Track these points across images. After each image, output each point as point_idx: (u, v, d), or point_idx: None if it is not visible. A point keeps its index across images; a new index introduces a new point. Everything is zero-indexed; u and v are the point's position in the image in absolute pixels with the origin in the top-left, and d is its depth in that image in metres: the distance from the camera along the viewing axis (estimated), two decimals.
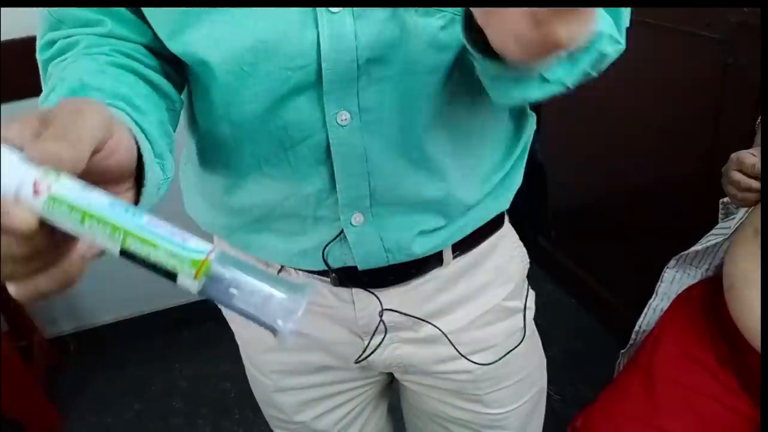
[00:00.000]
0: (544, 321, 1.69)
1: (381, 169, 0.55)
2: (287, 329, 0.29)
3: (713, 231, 1.02)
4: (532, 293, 0.75)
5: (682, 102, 1.51)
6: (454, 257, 0.65)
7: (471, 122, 0.58)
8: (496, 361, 0.71)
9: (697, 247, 1.04)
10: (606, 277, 2.02)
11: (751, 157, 0.87)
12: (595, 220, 1.93)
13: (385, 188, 0.56)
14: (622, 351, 1.16)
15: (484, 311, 0.69)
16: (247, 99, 0.50)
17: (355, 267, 0.61)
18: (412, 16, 0.47)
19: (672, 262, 1.10)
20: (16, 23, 1.48)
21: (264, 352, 0.74)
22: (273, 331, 0.30)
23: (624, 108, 1.71)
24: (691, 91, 1.47)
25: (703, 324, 0.94)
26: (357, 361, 0.70)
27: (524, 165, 0.66)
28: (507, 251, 0.71)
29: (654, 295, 1.11)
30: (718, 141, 1.41)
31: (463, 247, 0.65)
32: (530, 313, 0.75)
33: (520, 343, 0.73)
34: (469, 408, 0.75)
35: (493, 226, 0.67)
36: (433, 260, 0.65)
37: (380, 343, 0.68)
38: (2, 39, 1.52)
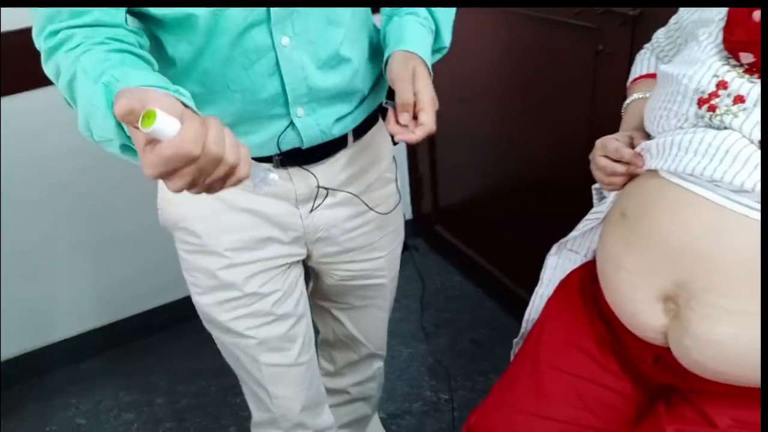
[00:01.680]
0: (452, 312, 1.69)
1: (312, 74, 0.84)
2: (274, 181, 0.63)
3: (588, 216, 1.04)
4: (397, 169, 1.13)
5: (559, 89, 1.53)
6: (354, 141, 0.98)
7: (368, 38, 0.93)
8: (389, 212, 1.09)
9: (575, 232, 1.05)
10: (506, 265, 2.05)
11: (614, 141, 0.88)
12: (490, 209, 1.95)
13: (315, 87, 0.86)
14: (515, 340, 1.17)
15: (374, 179, 1.05)
16: (219, 33, 0.74)
17: (298, 149, 0.91)
18: None
19: (553, 249, 1.11)
20: (16, 14, 1.50)
21: (220, 234, 0.97)
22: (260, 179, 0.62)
23: (507, 98, 1.73)
24: (567, 78, 1.50)
25: (582, 309, 0.95)
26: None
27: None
28: (382, 137, 1.07)
29: (539, 282, 1.12)
30: (594, 126, 1.44)
31: (358, 132, 0.98)
32: (399, 182, 1.13)
33: (399, 202, 1.12)
34: (366, 258, 1.13)
35: (374, 118, 1.02)
36: (341, 142, 0.96)
37: (311, 209, 0.99)
38: (2, 30, 1.50)
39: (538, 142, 1.65)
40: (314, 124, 0.89)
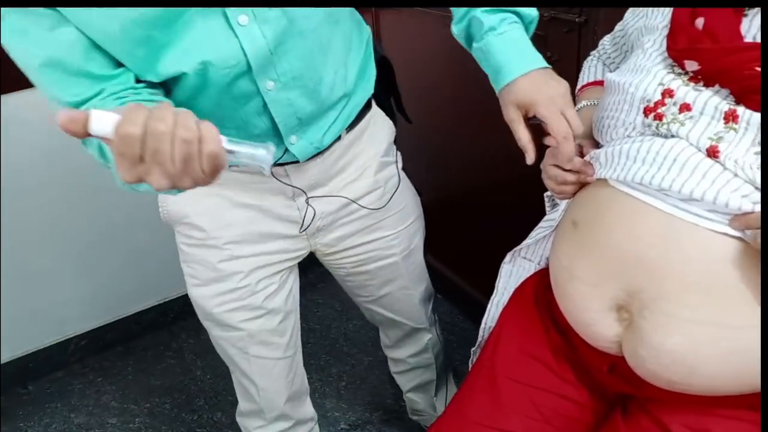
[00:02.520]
0: None
1: (301, 105, 0.89)
2: (269, 162, 0.60)
3: (541, 224, 1.04)
4: (399, 153, 1.16)
5: None
6: (346, 132, 1.02)
7: (347, 52, 0.94)
8: (386, 204, 1.12)
9: (528, 240, 1.05)
10: (464, 269, 2.05)
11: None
12: (447, 214, 1.94)
13: (305, 114, 0.91)
14: (473, 349, 1.16)
15: (371, 164, 1.08)
16: (209, 86, 0.79)
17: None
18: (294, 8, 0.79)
19: (507, 257, 1.10)
20: None
21: (223, 228, 1.02)
22: (264, 162, 0.60)
23: (459, 105, 1.72)
24: None
25: (537, 318, 0.94)
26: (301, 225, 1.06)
27: (373, 58, 1.04)
28: (378, 123, 1.10)
29: (495, 291, 1.11)
30: (545, 133, 1.44)
31: (350, 125, 1.02)
32: (399, 164, 1.16)
33: (399, 185, 1.14)
34: (371, 238, 1.15)
35: (366, 107, 1.05)
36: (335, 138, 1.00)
37: (306, 200, 1.03)
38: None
39: (491, 148, 1.65)
40: (308, 144, 0.95)
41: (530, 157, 0.88)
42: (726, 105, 0.71)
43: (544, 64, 0.87)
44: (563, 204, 0.98)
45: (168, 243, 2.08)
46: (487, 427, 0.90)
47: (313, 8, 0.82)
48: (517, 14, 0.90)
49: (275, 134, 0.90)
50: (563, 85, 0.85)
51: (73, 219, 1.88)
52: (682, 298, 0.71)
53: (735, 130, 0.70)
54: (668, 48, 0.77)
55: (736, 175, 0.69)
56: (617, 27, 0.97)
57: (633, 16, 0.92)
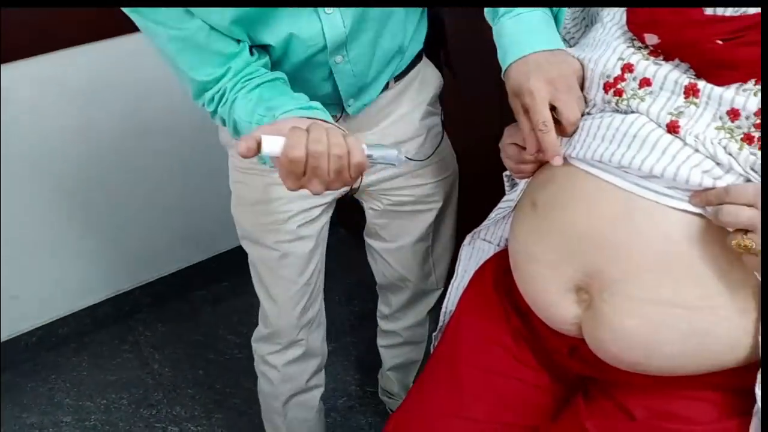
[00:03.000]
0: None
1: (362, 74, 0.99)
2: (401, 161, 0.74)
3: (500, 204, 1.01)
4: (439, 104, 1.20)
5: (468, 74, 1.49)
6: (395, 82, 1.08)
7: (405, 17, 1.00)
8: (428, 156, 1.18)
9: (487, 221, 1.02)
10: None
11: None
12: None
13: (365, 81, 1.01)
14: (434, 333, 1.13)
15: (415, 110, 1.13)
16: (288, 55, 0.90)
17: None
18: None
19: (467, 239, 1.08)
20: None
21: (287, 203, 1.13)
22: (395, 161, 0.74)
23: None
24: (477, 63, 1.47)
25: (496, 302, 0.92)
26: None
27: (426, 13, 1.08)
28: (427, 73, 1.15)
29: (455, 274, 1.09)
30: (505, 112, 1.42)
31: (399, 75, 1.08)
32: (441, 116, 1.20)
33: (442, 136, 1.20)
34: (412, 183, 1.19)
35: (416, 58, 1.10)
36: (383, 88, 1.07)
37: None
38: None
39: (452, 129, 1.62)
40: (362, 105, 1.05)
41: (528, 150, 0.81)
42: (686, 79, 0.69)
43: (550, 45, 0.79)
44: (522, 184, 0.95)
45: (123, 234, 2.03)
46: (449, 415, 0.87)
47: None
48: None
49: (336, 97, 1.00)
50: (566, 66, 0.76)
51: (20, 212, 1.80)
52: (641, 278, 0.69)
53: (695, 104, 0.68)
54: (628, 21, 0.75)
55: (696, 150, 0.67)
56: None
57: None
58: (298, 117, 0.74)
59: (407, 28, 1.02)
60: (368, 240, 1.37)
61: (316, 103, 0.82)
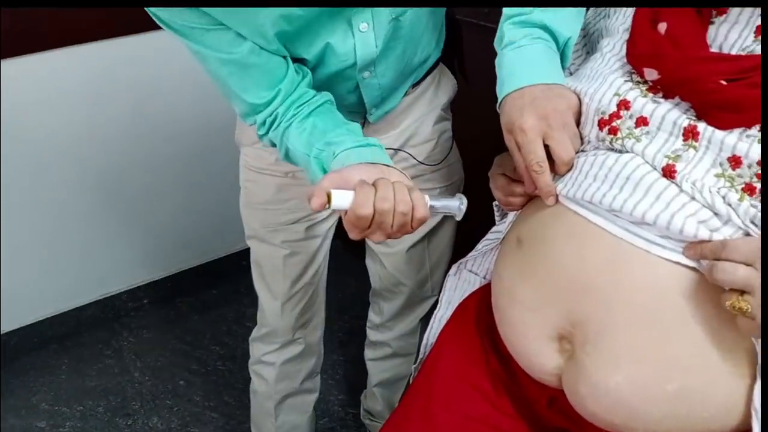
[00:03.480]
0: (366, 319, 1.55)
1: (388, 86, 1.00)
2: (462, 210, 0.77)
3: (488, 235, 0.96)
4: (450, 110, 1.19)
5: (464, 93, 1.45)
6: (413, 89, 1.09)
7: (432, 32, 1.02)
8: (443, 159, 1.17)
9: (474, 252, 0.97)
10: None
11: (512, 160, 0.80)
12: None
13: (387, 94, 1.03)
14: (413, 366, 1.08)
15: (430, 114, 1.13)
16: (323, 69, 0.92)
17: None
18: (401, 17, 0.90)
19: (453, 269, 1.03)
20: None
21: (299, 204, 1.14)
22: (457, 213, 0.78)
23: None
24: (474, 83, 1.42)
25: (477, 341, 0.87)
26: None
27: (445, 21, 1.07)
28: (444, 78, 1.15)
29: (438, 304, 1.04)
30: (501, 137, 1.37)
31: (417, 82, 1.09)
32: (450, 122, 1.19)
33: (452, 143, 1.20)
34: (420, 188, 1.02)
35: (435, 64, 1.10)
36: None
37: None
38: None
39: (460, 135, 1.58)
40: (383, 113, 1.06)
41: (527, 185, 0.76)
42: (686, 120, 0.64)
43: (548, 79, 0.73)
44: (511, 215, 0.90)
45: (111, 237, 1.99)
46: None
47: (420, 13, 0.93)
48: (551, 32, 0.78)
49: (360, 106, 1.02)
50: (561, 101, 0.71)
51: (6, 211, 1.76)
52: (627, 333, 0.64)
53: (694, 148, 0.63)
54: (627, 53, 0.70)
55: (693, 198, 0.62)
56: None
57: (595, 15, 0.84)
58: (363, 164, 0.75)
59: (432, 41, 1.03)
60: (369, 242, 1.34)
61: (373, 139, 0.83)
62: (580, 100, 0.73)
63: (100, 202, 1.90)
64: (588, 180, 0.69)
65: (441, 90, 1.15)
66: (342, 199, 0.68)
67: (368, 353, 1.54)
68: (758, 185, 0.59)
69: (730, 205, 0.61)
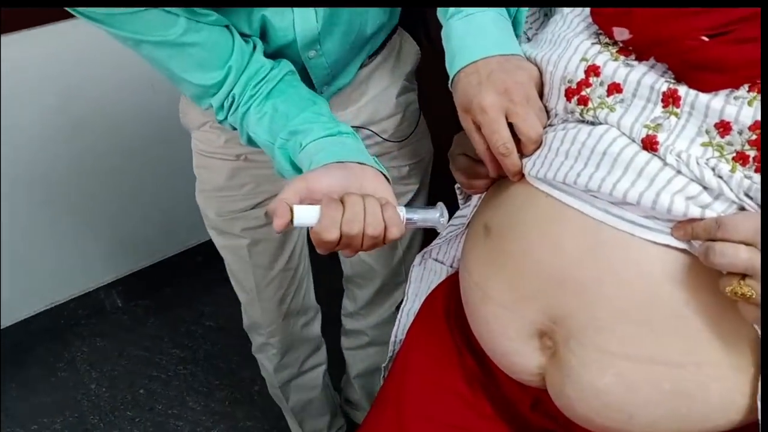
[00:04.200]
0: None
1: (336, 65, 0.92)
2: (443, 224, 0.69)
3: (452, 220, 0.88)
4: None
5: (427, 70, 1.38)
6: (369, 60, 1.00)
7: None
8: (411, 133, 1.09)
9: (438, 240, 0.89)
10: None
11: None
12: None
13: (338, 71, 0.94)
14: (383, 365, 1.01)
15: (391, 86, 1.04)
16: (270, 47, 0.84)
17: None
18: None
19: (417, 259, 0.95)
20: None
21: (237, 139, 0.92)
22: (437, 226, 0.70)
23: None
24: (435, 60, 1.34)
25: (448, 338, 0.80)
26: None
27: None
28: (405, 46, 1.05)
29: (404, 298, 0.96)
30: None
31: (374, 53, 1.00)
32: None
33: (419, 116, 1.11)
34: (389, 165, 1.07)
35: (392, 34, 1.01)
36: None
37: None
38: None
39: (427, 107, 1.50)
40: (335, 90, 0.98)
41: (490, 170, 0.69)
42: (664, 84, 0.57)
43: (504, 50, 0.66)
44: (475, 199, 0.83)
45: (54, 243, 1.86)
46: None
47: None
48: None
49: (310, 85, 0.92)
50: (522, 73, 0.64)
51: None
52: (615, 328, 0.57)
53: (676, 115, 0.56)
54: (592, 12, 0.62)
55: (679, 172, 0.55)
56: None
57: None
58: (333, 166, 0.67)
59: (382, 10, 0.93)
60: None
61: (344, 126, 0.76)
62: (540, 71, 0.66)
63: (40, 208, 1.77)
64: (559, 158, 0.61)
65: (402, 59, 1.05)
66: (306, 217, 0.62)
67: (345, 342, 1.49)
68: (752, 153, 0.53)
69: (721, 177, 0.54)
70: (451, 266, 0.91)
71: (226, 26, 0.78)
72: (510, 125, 0.64)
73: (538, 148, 0.64)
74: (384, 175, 0.69)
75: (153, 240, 2.02)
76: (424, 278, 0.95)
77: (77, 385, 1.81)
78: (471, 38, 0.68)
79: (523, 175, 0.66)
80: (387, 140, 1.06)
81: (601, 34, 0.62)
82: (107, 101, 1.72)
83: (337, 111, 1.00)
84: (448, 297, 0.84)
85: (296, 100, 0.80)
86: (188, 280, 2.09)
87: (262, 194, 1.08)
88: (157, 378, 1.81)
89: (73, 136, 1.72)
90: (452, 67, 0.69)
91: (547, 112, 0.66)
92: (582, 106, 0.60)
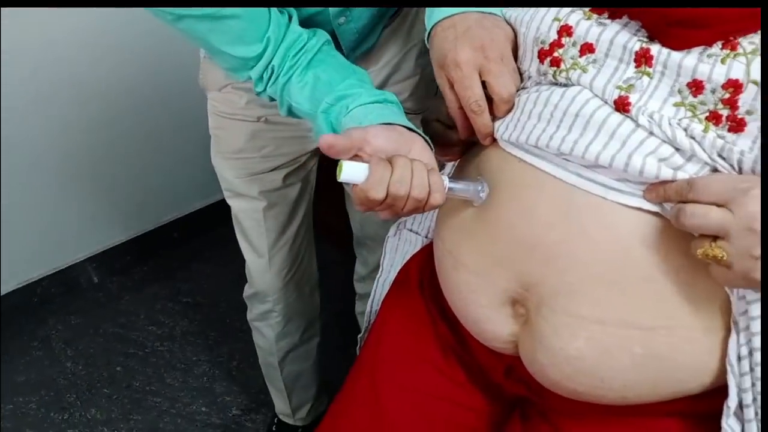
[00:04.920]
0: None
1: (364, 29, 0.92)
2: (483, 198, 0.64)
3: None
4: None
5: None
6: (390, 21, 0.98)
7: None
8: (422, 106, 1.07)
9: None
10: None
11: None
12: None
13: (365, 36, 0.94)
14: (359, 335, 1.00)
15: (412, 47, 1.03)
16: (300, 15, 0.83)
17: None
18: None
19: (392, 230, 0.94)
20: None
21: (257, 101, 0.99)
22: (475, 200, 0.64)
23: None
24: None
25: (423, 309, 0.79)
26: None
27: None
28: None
29: (380, 269, 0.95)
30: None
31: (393, 15, 0.99)
32: None
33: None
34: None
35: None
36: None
37: None
38: None
39: None
40: (361, 53, 0.97)
41: (460, 131, 0.69)
42: (637, 43, 0.55)
43: (481, 7, 0.66)
44: (449, 167, 0.82)
45: (27, 217, 1.83)
46: None
47: None
48: None
49: (338, 51, 0.91)
50: (498, 32, 0.64)
51: None
52: (587, 293, 0.56)
53: (648, 75, 0.55)
54: None
55: (651, 133, 0.54)
56: None
57: None
58: (382, 127, 0.65)
59: None
60: (347, 187, 1.27)
61: (390, 94, 0.74)
62: (514, 30, 0.64)
63: (10, 185, 1.72)
64: (532, 120, 0.60)
65: (421, 18, 1.04)
66: (354, 174, 0.59)
67: (358, 307, 1.50)
68: (724, 112, 0.52)
69: (693, 138, 0.53)
70: (425, 237, 0.90)
71: None
72: (483, 85, 0.63)
73: (510, 109, 0.63)
74: (429, 144, 0.67)
75: (128, 215, 1.99)
76: (399, 249, 0.94)
77: (53, 364, 1.78)
78: None
79: (494, 139, 0.65)
80: (408, 112, 1.04)
81: None
82: (78, 75, 1.68)
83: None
84: (423, 267, 0.83)
85: (338, 68, 0.80)
86: (164, 256, 2.06)
87: (281, 157, 1.08)
88: (134, 355, 1.79)
89: (42, 110, 1.67)
90: (430, 20, 0.68)
91: (521, 74, 0.64)
92: (555, 68, 0.59)
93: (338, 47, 0.92)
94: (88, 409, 1.66)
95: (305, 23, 0.84)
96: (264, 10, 0.76)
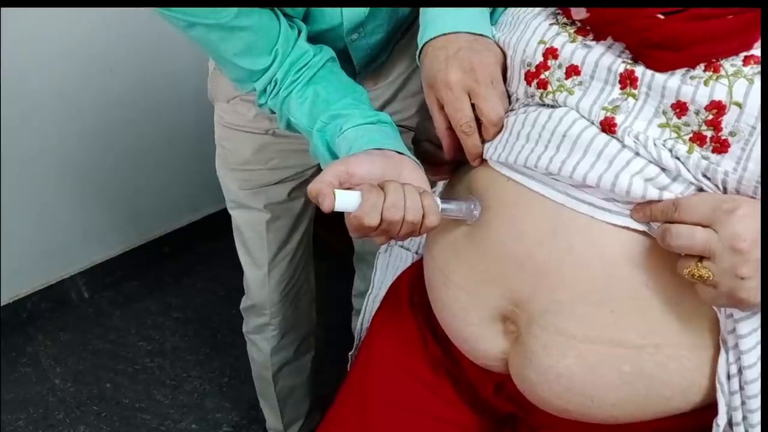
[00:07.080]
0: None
1: (377, 46, 0.92)
2: (476, 216, 0.64)
3: None
4: None
5: None
6: (401, 36, 0.97)
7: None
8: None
9: None
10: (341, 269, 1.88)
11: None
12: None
13: (377, 52, 0.94)
14: (350, 353, 1.00)
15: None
16: (313, 29, 0.83)
17: None
18: None
19: (383, 247, 0.94)
20: None
21: (265, 114, 0.96)
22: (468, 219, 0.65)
23: None
24: None
25: (413, 324, 0.79)
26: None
27: None
28: None
29: (371, 285, 0.96)
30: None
31: (405, 30, 0.97)
32: None
33: None
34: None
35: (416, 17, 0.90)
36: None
37: None
38: None
39: None
40: (372, 70, 0.98)
41: (446, 151, 0.70)
42: (621, 65, 0.56)
43: (475, 29, 0.66)
44: (440, 186, 0.82)
45: (15, 233, 1.82)
46: None
47: None
48: None
49: (349, 68, 0.91)
50: (489, 55, 0.65)
51: None
52: (575, 310, 0.57)
53: (634, 96, 0.56)
54: None
55: (637, 153, 0.55)
56: None
57: None
58: (372, 153, 0.66)
59: None
60: None
61: (384, 115, 0.75)
62: (503, 53, 0.65)
63: (1, 198, 1.72)
64: (520, 141, 0.61)
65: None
66: (347, 202, 0.60)
67: (355, 322, 1.47)
68: (708, 133, 0.53)
69: (678, 158, 0.54)
70: (416, 253, 0.90)
71: (273, 11, 0.78)
72: (473, 106, 0.64)
73: (498, 132, 0.63)
74: (420, 166, 0.67)
75: (118, 230, 1.98)
76: (390, 265, 0.94)
77: (41, 380, 1.77)
78: (447, 12, 0.68)
79: (483, 160, 0.65)
80: (408, 129, 1.03)
81: (559, 14, 0.61)
82: (67, 90, 1.68)
83: (369, 86, 1.00)
84: (413, 283, 0.83)
85: (337, 86, 0.80)
86: (154, 271, 2.05)
87: (287, 169, 1.08)
88: (124, 371, 1.77)
89: (30, 126, 1.67)
90: (422, 38, 0.68)
91: (509, 96, 0.65)
92: (541, 90, 0.60)
93: (350, 63, 0.92)
94: (77, 427, 1.65)
95: (319, 39, 0.84)
96: (275, 23, 0.77)
